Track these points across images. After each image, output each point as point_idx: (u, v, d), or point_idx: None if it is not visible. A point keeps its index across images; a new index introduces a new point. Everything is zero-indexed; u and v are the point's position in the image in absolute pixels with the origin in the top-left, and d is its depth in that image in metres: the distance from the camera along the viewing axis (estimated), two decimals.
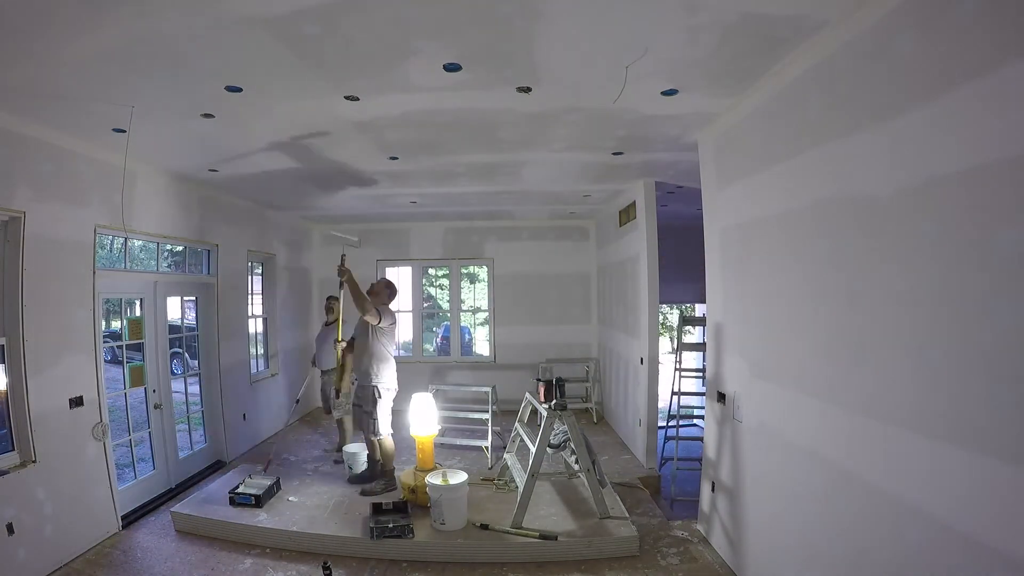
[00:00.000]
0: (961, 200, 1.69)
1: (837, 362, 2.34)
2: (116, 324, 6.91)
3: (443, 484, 3.59)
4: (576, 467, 3.80)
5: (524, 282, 8.10)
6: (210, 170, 4.62)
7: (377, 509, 3.82)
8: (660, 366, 5.46)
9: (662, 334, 6.43)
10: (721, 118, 3.43)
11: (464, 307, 10.72)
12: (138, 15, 2.11)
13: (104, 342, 4.01)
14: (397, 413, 4.86)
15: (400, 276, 8.64)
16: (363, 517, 3.80)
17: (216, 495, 4.19)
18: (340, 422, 5.56)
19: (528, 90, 2.99)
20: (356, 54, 2.52)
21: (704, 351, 6.21)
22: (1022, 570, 1.50)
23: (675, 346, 4.96)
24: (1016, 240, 1.51)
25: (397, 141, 3.93)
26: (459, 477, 3.71)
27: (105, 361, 3.99)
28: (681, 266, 6.51)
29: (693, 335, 11.11)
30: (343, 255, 4.43)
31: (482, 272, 9.11)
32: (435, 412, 4.28)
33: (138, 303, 4.68)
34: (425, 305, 10.42)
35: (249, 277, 6.31)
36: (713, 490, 3.64)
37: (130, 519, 4.02)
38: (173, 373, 5.04)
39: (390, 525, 3.57)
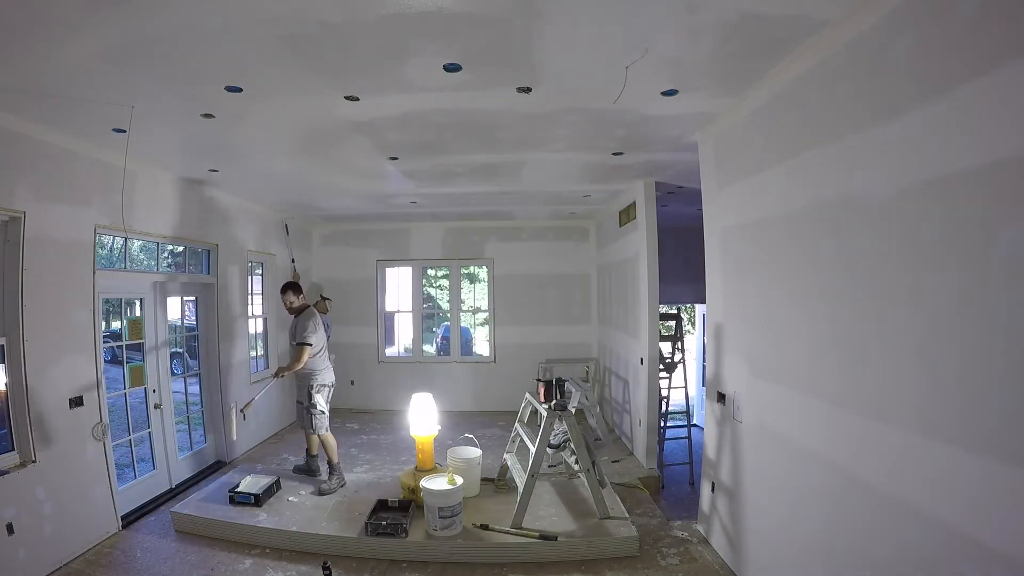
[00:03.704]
0: (962, 200, 1.69)
1: (837, 362, 2.34)
2: (116, 324, 6.91)
3: (435, 490, 3.56)
4: (576, 467, 3.80)
5: (524, 282, 8.10)
6: (210, 170, 4.63)
7: (383, 506, 3.85)
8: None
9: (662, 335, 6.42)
10: (721, 118, 3.43)
11: (464, 307, 10.72)
12: (138, 15, 2.11)
13: (104, 342, 4.01)
14: (398, 413, 4.83)
15: (400, 276, 8.68)
16: (363, 517, 3.80)
17: (216, 495, 4.19)
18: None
19: (528, 90, 2.99)
20: (356, 54, 2.52)
21: (673, 343, 6.28)
22: (1022, 571, 1.50)
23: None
24: (1015, 241, 1.51)
25: (397, 141, 3.93)
26: (457, 480, 3.70)
27: (105, 361, 3.99)
28: (681, 266, 6.52)
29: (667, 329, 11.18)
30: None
31: (482, 272, 9.12)
32: (435, 412, 4.28)
33: (138, 303, 4.68)
34: (425, 306, 10.43)
35: (249, 277, 6.31)
36: (713, 490, 3.64)
37: (130, 519, 4.02)
38: (173, 373, 5.04)
39: (384, 523, 3.58)
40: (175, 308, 6.11)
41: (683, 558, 3.49)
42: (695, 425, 6.48)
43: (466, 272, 10.55)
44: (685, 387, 6.39)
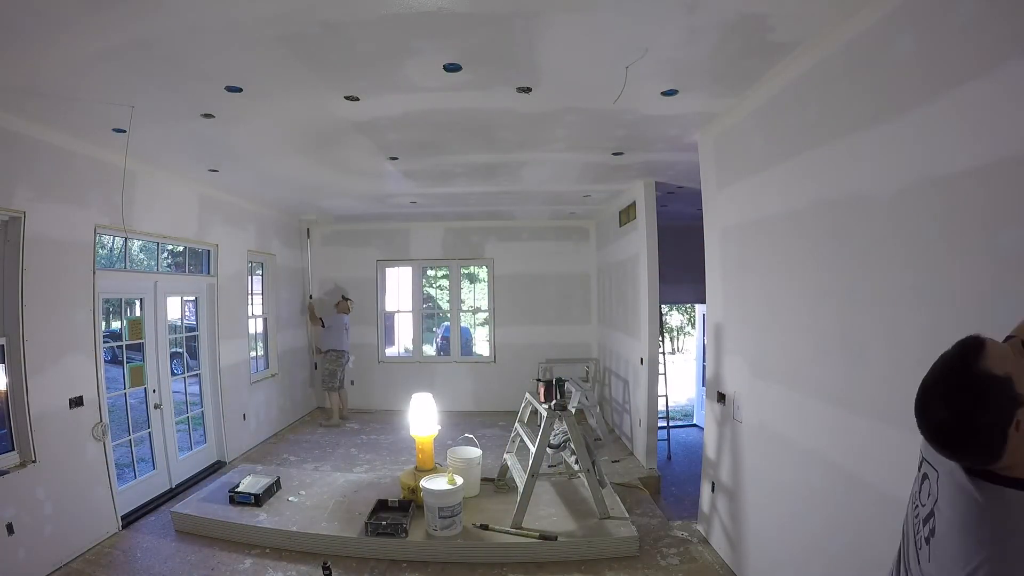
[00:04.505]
0: (961, 200, 1.69)
1: (837, 362, 2.34)
2: (116, 324, 6.92)
3: (435, 490, 3.56)
4: (576, 467, 3.80)
5: (524, 282, 8.10)
6: (210, 170, 4.63)
7: (383, 506, 3.86)
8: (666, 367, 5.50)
9: (662, 336, 6.47)
10: (721, 118, 3.43)
11: (464, 307, 10.72)
12: (138, 15, 2.11)
13: (104, 342, 4.01)
14: (398, 413, 4.80)
15: (400, 276, 8.68)
16: (363, 517, 3.80)
17: (216, 495, 4.19)
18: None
19: (528, 90, 2.99)
20: (356, 54, 2.52)
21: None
22: None
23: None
24: (1016, 240, 1.51)
25: (397, 141, 3.93)
26: (457, 480, 3.70)
27: (105, 361, 3.99)
28: (681, 266, 6.52)
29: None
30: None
31: (482, 272, 9.12)
32: (435, 412, 4.27)
33: (138, 303, 4.68)
34: (425, 306, 10.43)
35: (249, 277, 6.31)
36: (713, 490, 3.64)
37: (130, 519, 4.02)
38: (173, 373, 5.04)
39: (384, 523, 3.58)
40: (175, 308, 6.12)
41: (683, 558, 3.49)
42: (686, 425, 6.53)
43: (466, 272, 10.54)
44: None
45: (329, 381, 7.10)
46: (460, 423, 6.86)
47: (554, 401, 3.97)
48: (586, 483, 3.79)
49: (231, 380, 5.70)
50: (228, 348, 5.64)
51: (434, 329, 11.45)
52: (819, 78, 2.42)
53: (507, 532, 3.57)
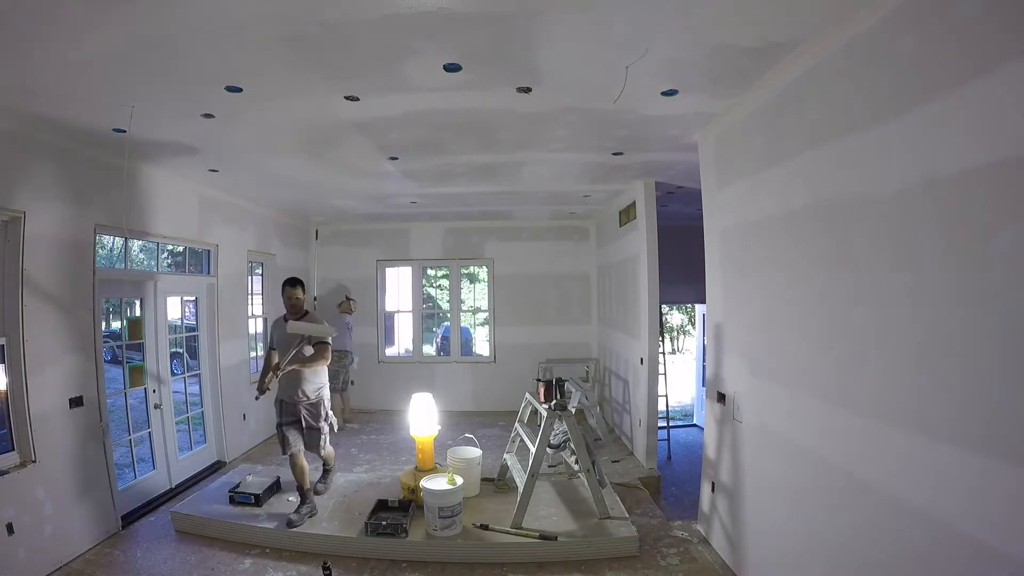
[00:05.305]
0: (962, 200, 1.69)
1: (838, 362, 2.34)
2: (116, 324, 6.91)
3: (435, 490, 3.56)
4: (576, 467, 3.80)
5: (524, 282, 8.10)
6: (210, 170, 4.63)
7: (383, 506, 3.86)
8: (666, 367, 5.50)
9: (662, 336, 6.48)
10: (721, 118, 3.43)
11: (464, 307, 10.73)
12: (138, 15, 2.11)
13: (104, 342, 4.01)
14: (398, 413, 4.78)
15: (400, 276, 8.68)
16: (363, 517, 3.80)
17: (216, 495, 4.19)
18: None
19: (528, 90, 2.99)
20: (356, 54, 2.52)
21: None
22: (1023, 570, 1.50)
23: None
24: (1016, 240, 1.51)
25: (397, 141, 3.93)
26: (457, 480, 3.70)
27: (105, 361, 3.99)
28: (681, 266, 6.53)
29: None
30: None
31: (482, 272, 9.12)
32: (435, 412, 4.27)
33: (138, 303, 4.68)
34: (425, 306, 10.43)
35: (249, 277, 6.31)
36: (713, 490, 3.64)
37: (130, 519, 4.02)
38: (173, 373, 5.03)
39: (384, 523, 3.58)
40: (175, 308, 6.12)
41: (683, 558, 3.49)
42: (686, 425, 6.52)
43: (466, 272, 10.55)
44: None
45: (332, 383, 6.69)
46: (460, 423, 6.86)
47: (554, 401, 3.97)
48: (586, 483, 3.78)
49: (231, 380, 5.70)
50: (228, 348, 5.64)
51: (434, 329, 11.46)
52: (819, 78, 2.42)
53: (507, 532, 3.57)
